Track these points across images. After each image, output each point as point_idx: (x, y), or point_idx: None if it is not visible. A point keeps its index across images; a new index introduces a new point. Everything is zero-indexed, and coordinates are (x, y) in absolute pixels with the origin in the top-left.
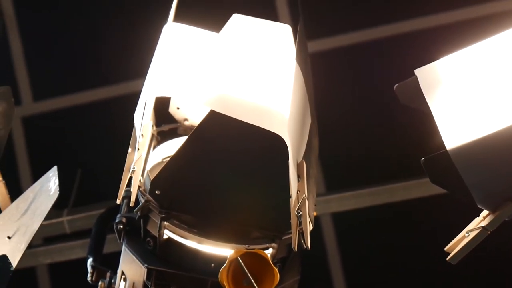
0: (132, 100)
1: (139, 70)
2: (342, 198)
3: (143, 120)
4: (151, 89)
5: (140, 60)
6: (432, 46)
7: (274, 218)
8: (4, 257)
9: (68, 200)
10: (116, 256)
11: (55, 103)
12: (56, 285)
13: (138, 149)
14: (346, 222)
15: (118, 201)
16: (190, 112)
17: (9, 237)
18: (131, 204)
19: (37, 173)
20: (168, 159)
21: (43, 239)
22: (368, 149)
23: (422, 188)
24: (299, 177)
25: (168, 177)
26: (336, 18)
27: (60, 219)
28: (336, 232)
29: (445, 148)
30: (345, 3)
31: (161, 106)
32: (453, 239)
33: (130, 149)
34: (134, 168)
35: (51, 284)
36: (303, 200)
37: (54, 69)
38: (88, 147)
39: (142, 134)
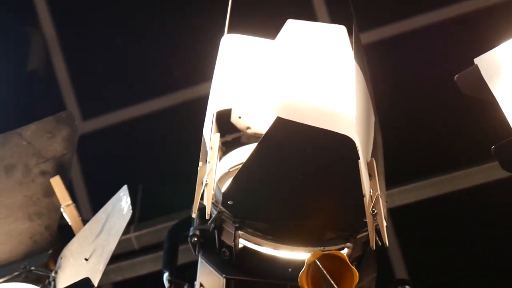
0: (180, 109)
1: (184, 80)
2: (403, 191)
3: (211, 133)
4: (217, 102)
5: (185, 71)
6: (483, 29)
7: (347, 218)
8: (87, 280)
9: (133, 216)
10: (188, 266)
11: (105, 120)
12: None
13: (209, 162)
14: (405, 216)
15: (193, 215)
16: (252, 120)
17: (86, 259)
18: (207, 217)
19: (93, 193)
20: (237, 169)
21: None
22: (420, 140)
23: (485, 174)
24: (370, 176)
25: (239, 187)
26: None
27: (128, 236)
28: (394, 226)
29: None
30: None
31: (221, 118)
32: None
33: (200, 163)
34: (206, 181)
35: None
36: (377, 198)
37: (100, 86)
38: (141, 160)
39: (211, 147)
